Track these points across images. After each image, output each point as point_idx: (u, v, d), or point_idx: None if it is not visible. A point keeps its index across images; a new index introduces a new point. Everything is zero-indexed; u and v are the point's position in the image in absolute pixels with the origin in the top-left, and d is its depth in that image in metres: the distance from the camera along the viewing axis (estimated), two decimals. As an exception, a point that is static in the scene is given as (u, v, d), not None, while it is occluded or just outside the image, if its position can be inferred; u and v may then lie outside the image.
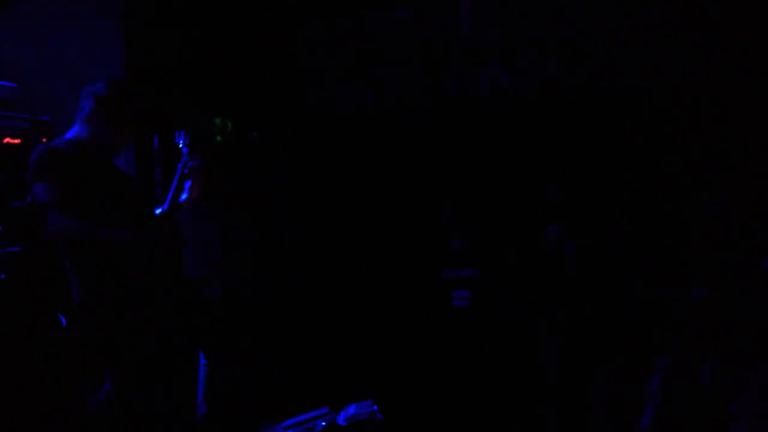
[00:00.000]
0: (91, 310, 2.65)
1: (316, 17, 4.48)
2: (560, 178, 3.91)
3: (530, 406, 4.07)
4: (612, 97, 4.07)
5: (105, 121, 2.76)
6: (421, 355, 4.18)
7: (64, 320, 2.67)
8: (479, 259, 4.14)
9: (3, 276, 2.69)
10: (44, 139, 3.05)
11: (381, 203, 4.42)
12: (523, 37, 4.19)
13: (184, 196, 2.98)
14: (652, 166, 3.97)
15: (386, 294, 4.31)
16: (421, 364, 4.16)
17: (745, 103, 3.75)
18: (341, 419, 3.23)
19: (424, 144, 4.51)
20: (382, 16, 4.39)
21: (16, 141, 3.00)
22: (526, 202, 4.06)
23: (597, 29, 4.07)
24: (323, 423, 3.25)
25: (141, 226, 2.76)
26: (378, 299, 4.30)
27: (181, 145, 2.97)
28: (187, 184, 2.99)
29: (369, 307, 4.31)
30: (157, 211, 2.98)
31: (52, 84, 3.43)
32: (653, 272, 3.51)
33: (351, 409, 3.28)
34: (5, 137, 2.94)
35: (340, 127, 4.50)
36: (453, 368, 4.10)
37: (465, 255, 4.18)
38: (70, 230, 2.57)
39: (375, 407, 3.27)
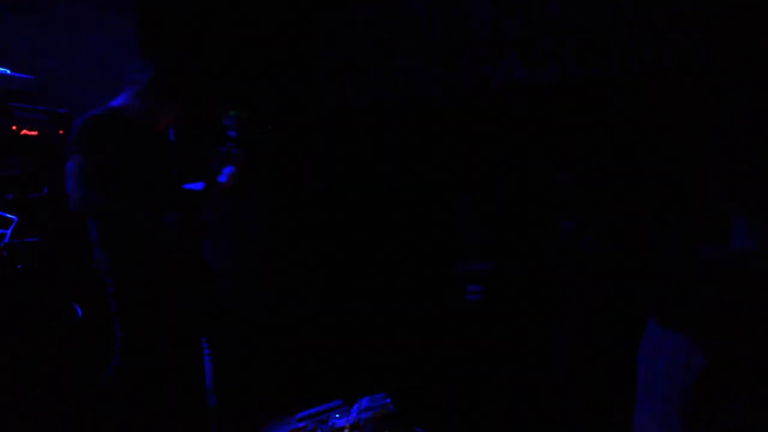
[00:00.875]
0: (116, 287, 2.68)
1: (335, 8, 4.47)
2: (575, 171, 3.89)
3: (544, 400, 4.07)
4: (629, 87, 4.05)
5: (159, 96, 2.79)
6: (434, 348, 4.18)
7: (79, 310, 2.70)
8: (493, 252, 4.13)
9: (19, 266, 2.71)
10: (61, 131, 3.07)
11: (395, 196, 4.42)
12: (538, 27, 4.17)
13: (221, 179, 3.00)
14: (671, 157, 3.95)
15: (400, 287, 4.31)
16: (434, 357, 4.16)
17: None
18: (354, 412, 3.23)
19: (438, 137, 4.51)
20: (399, 6, 4.39)
21: (34, 133, 3.02)
22: (540, 195, 4.04)
23: (614, 18, 4.06)
24: (336, 415, 3.25)
25: (169, 208, 2.79)
26: (391, 292, 4.30)
27: (229, 130, 3.00)
28: (227, 170, 3.01)
29: (382, 300, 4.31)
30: (191, 187, 3.01)
31: (70, 76, 3.46)
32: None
33: (364, 402, 3.29)
34: (23, 129, 2.97)
35: (355, 120, 4.50)
36: (466, 362, 4.10)
37: (479, 248, 4.17)
38: (100, 209, 2.60)
39: (388, 400, 3.27)
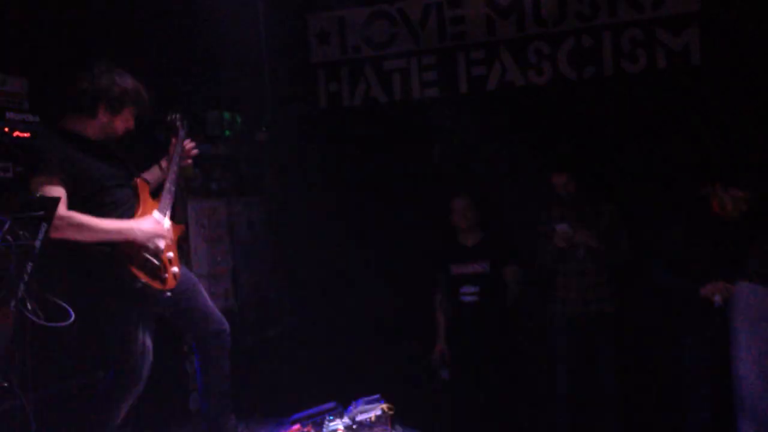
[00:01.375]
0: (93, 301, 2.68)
1: (326, 9, 4.47)
2: (569, 172, 3.89)
3: (541, 400, 4.07)
4: (621, 89, 4.06)
5: (112, 111, 2.79)
6: (429, 350, 4.17)
7: (72, 313, 2.67)
8: (488, 254, 4.13)
9: (11, 268, 2.70)
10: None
11: (390, 198, 4.41)
12: (533, 30, 4.18)
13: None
14: (665, 156, 3.96)
15: (395, 289, 4.31)
16: (428, 359, 4.16)
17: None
18: (349, 413, 3.22)
19: (432, 138, 4.51)
20: (393, 9, 4.39)
21: (26, 135, 3.00)
22: (535, 196, 4.04)
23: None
24: (331, 417, 3.24)
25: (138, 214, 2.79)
26: (387, 294, 4.30)
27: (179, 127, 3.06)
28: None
29: (377, 302, 4.30)
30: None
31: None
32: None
33: (359, 403, 3.28)
34: (15, 131, 2.95)
35: (350, 122, 4.50)
36: (461, 363, 4.09)
37: (474, 250, 4.17)
38: (72, 221, 2.58)
39: (383, 401, 3.26)
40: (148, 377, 2.88)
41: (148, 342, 2.87)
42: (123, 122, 2.86)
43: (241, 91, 4.38)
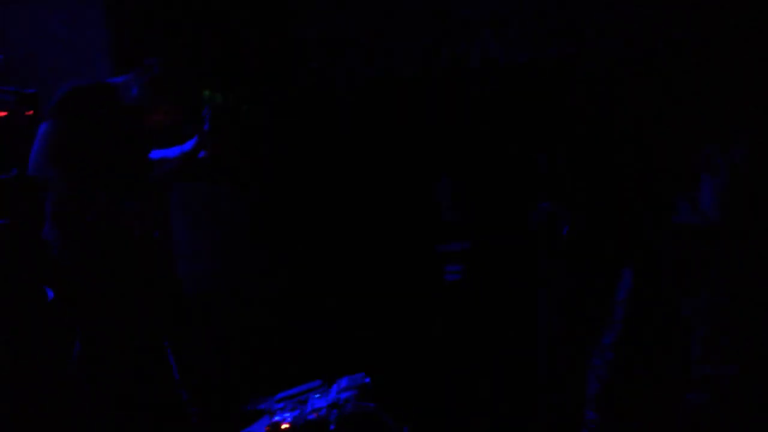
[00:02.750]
0: (71, 270, 2.65)
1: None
2: (551, 151, 3.89)
3: (527, 378, 4.07)
4: (604, 67, 4.04)
5: (159, 95, 2.77)
6: (413, 328, 4.17)
7: (51, 293, 2.65)
8: (472, 232, 4.13)
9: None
10: (30, 111, 3.01)
11: (373, 177, 4.39)
12: (513, 7, 4.15)
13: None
14: (645, 140, 3.95)
15: (379, 268, 4.30)
16: (413, 337, 4.15)
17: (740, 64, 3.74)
18: (334, 391, 3.22)
19: (416, 117, 4.48)
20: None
21: (2, 114, 2.96)
22: (518, 174, 4.04)
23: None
24: (316, 395, 3.23)
25: (132, 197, 2.76)
26: (371, 273, 4.29)
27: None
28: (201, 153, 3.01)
29: (362, 280, 4.30)
30: (164, 154, 2.98)
31: (38, 56, 3.40)
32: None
33: (343, 382, 3.27)
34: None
35: (331, 100, 4.46)
36: (446, 341, 4.10)
37: (458, 228, 4.16)
38: (56, 181, 2.56)
39: (368, 380, 3.26)
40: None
41: None
42: None
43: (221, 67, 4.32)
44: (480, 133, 4.20)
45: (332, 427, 2.96)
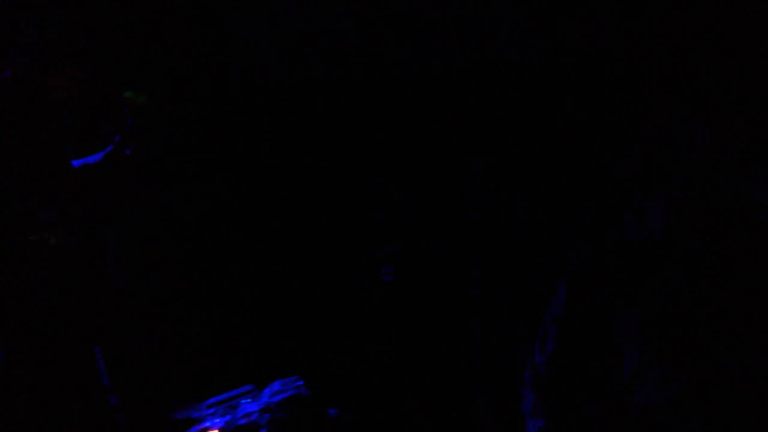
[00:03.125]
0: None
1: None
2: (483, 152, 3.92)
3: (459, 377, 4.10)
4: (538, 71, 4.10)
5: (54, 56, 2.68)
6: (348, 330, 4.15)
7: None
8: (406, 234, 4.14)
9: None
10: None
11: (309, 180, 4.36)
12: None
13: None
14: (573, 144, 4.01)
15: (314, 271, 4.27)
16: (348, 339, 4.14)
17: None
18: (266, 396, 3.18)
19: (350, 119, 4.47)
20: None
21: None
22: (450, 175, 4.06)
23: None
24: (248, 400, 3.19)
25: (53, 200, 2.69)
26: (306, 276, 4.26)
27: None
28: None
29: (296, 283, 4.26)
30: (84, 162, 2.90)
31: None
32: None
33: (276, 386, 3.24)
34: None
35: (266, 100, 4.41)
36: (380, 343, 4.09)
37: (390, 230, 4.16)
38: None
39: (301, 382, 3.23)
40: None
41: None
42: None
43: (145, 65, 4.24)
44: (414, 136, 4.21)
45: (263, 431, 2.92)
